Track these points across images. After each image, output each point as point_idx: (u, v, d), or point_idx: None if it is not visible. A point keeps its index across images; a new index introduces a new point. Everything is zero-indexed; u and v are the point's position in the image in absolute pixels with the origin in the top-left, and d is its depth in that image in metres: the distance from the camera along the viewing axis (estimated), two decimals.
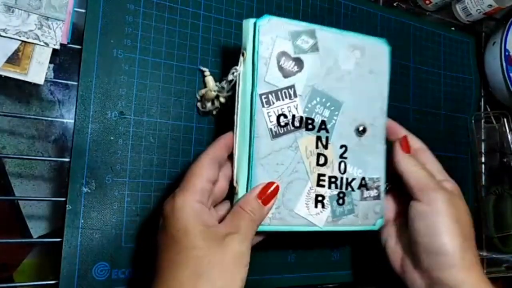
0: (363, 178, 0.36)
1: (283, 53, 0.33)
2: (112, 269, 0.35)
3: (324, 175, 0.35)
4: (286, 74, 0.33)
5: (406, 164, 0.36)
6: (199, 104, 0.40)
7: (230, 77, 0.34)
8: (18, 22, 0.34)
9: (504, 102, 0.61)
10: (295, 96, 0.33)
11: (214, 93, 0.38)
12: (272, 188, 0.32)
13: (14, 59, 0.35)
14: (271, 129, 0.33)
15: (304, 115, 0.34)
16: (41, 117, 0.38)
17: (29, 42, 0.35)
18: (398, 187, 0.37)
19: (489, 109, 0.63)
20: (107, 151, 0.36)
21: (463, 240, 0.33)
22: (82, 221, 0.35)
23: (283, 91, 0.33)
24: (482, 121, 0.61)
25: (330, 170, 0.35)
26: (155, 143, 0.38)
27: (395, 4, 0.58)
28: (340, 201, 0.35)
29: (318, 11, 0.48)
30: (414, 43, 0.55)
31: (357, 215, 0.36)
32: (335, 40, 0.35)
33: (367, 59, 0.37)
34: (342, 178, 0.35)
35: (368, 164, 0.36)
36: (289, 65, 0.33)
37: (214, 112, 0.41)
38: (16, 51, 0.35)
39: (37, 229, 0.38)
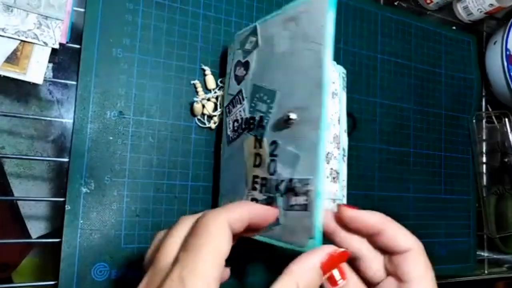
0: (290, 180, 0.28)
1: (237, 62, 0.35)
2: (111, 270, 0.35)
3: (257, 176, 0.31)
4: (238, 81, 0.35)
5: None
6: (196, 119, 0.41)
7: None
8: (17, 22, 0.34)
9: (505, 102, 0.60)
10: (243, 99, 0.34)
11: (200, 105, 0.40)
12: (342, 258, 0.24)
13: (13, 58, 0.34)
14: (228, 135, 0.34)
15: (248, 116, 0.33)
16: (40, 117, 0.38)
17: (28, 42, 0.35)
18: None
19: (490, 109, 0.63)
20: (106, 151, 0.36)
21: None
22: (81, 221, 0.34)
23: (236, 97, 0.34)
24: (483, 120, 0.61)
25: (263, 171, 0.30)
26: (154, 143, 0.38)
27: (396, 4, 0.57)
28: None
29: None
30: (415, 42, 0.55)
31: (284, 228, 0.27)
32: (272, 24, 0.32)
33: (302, 28, 0.29)
34: (271, 180, 0.29)
35: (298, 161, 0.28)
36: (240, 71, 0.34)
37: (213, 127, 0.41)
38: (15, 51, 0.34)
39: (36, 229, 0.38)
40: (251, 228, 0.25)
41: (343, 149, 0.43)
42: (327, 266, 0.23)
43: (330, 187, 0.41)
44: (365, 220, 0.26)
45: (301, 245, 0.26)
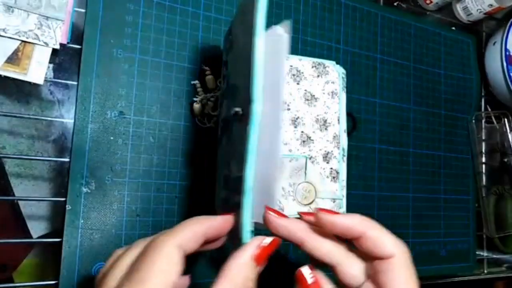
0: (229, 177, 0.29)
1: (223, 62, 0.35)
2: None
3: (227, 175, 0.31)
4: (224, 81, 0.35)
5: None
6: (197, 119, 0.41)
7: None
8: (18, 22, 0.34)
9: (505, 102, 0.60)
10: (222, 102, 0.35)
11: (200, 105, 0.40)
12: (275, 246, 0.24)
13: (13, 59, 0.34)
14: (218, 136, 0.34)
15: (225, 116, 0.33)
16: (40, 117, 0.38)
17: (28, 42, 0.35)
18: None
19: (489, 109, 0.63)
20: (107, 151, 0.36)
21: None
22: (82, 221, 0.35)
23: (221, 97, 0.35)
24: (483, 121, 0.61)
25: (227, 169, 0.31)
26: (155, 143, 0.38)
27: (395, 4, 0.58)
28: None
29: (318, 10, 0.48)
30: (415, 43, 0.55)
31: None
32: (235, 22, 0.32)
33: (245, 20, 0.29)
34: (229, 178, 0.30)
35: (235, 157, 0.28)
36: (224, 71, 0.35)
37: (214, 126, 0.41)
38: (16, 51, 0.35)
39: (37, 229, 0.38)
40: (210, 241, 0.25)
41: (343, 149, 0.43)
42: (260, 257, 0.23)
43: (330, 187, 0.41)
44: (344, 224, 0.25)
45: (240, 245, 0.24)
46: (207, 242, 0.24)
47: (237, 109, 0.27)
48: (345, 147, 0.44)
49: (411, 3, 0.59)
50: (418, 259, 0.51)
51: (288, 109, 0.41)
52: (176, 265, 0.21)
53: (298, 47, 0.46)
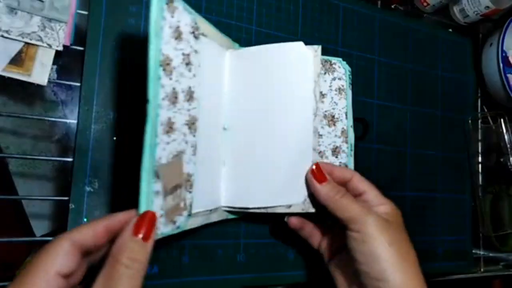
0: None
1: None
2: None
3: None
4: None
5: (325, 195, 0.34)
6: None
7: None
8: (21, 24, 0.35)
9: (501, 103, 0.61)
10: None
11: None
12: (148, 218, 0.26)
13: (17, 60, 0.35)
14: None
15: None
16: (44, 117, 0.38)
17: (32, 44, 0.35)
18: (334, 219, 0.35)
19: (486, 110, 0.63)
20: (110, 151, 0.37)
21: (404, 266, 0.31)
22: (85, 220, 0.35)
23: None
24: (479, 121, 0.62)
25: None
26: None
27: (392, 6, 0.58)
28: None
29: (317, 13, 0.49)
30: (412, 45, 0.56)
31: None
32: None
33: None
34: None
35: None
36: None
37: None
38: (20, 53, 0.35)
39: (40, 228, 0.39)
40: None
41: (351, 144, 0.44)
42: (137, 228, 0.25)
43: None
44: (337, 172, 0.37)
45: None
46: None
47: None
48: (353, 142, 0.45)
49: (408, 6, 0.60)
50: None
51: None
52: (65, 256, 0.23)
53: None
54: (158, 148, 0.28)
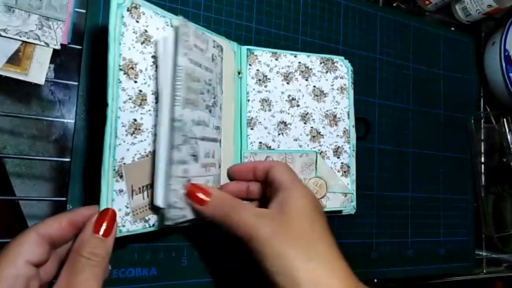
0: None
1: None
2: (112, 269, 0.35)
3: None
4: None
5: (212, 216, 0.30)
6: None
7: None
8: (19, 23, 0.34)
9: (504, 102, 0.61)
10: None
11: None
12: (109, 215, 0.27)
13: (14, 59, 0.35)
14: None
15: None
16: (41, 117, 0.38)
17: (29, 42, 0.35)
18: None
19: (488, 109, 0.63)
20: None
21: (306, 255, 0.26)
22: None
23: None
24: (482, 121, 0.62)
25: None
26: None
27: (394, 5, 0.58)
28: None
29: (318, 11, 0.48)
30: (414, 43, 0.55)
31: None
32: None
33: None
34: None
35: None
36: None
37: None
38: (17, 51, 0.35)
39: None
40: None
41: (353, 144, 0.44)
42: (98, 225, 0.27)
43: (341, 181, 0.42)
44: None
45: None
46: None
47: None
48: (354, 142, 0.44)
49: (410, 4, 0.60)
50: (417, 259, 0.51)
51: (298, 106, 0.42)
52: (32, 245, 0.25)
53: (297, 48, 0.47)
54: (119, 149, 0.30)
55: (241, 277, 0.40)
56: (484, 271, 0.59)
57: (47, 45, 0.35)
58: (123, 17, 0.30)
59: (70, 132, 0.37)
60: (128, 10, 0.31)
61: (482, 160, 0.60)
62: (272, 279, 0.26)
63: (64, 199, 0.34)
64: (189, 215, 0.31)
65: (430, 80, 0.56)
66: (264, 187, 0.34)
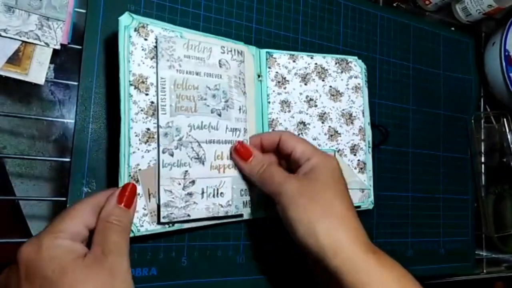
0: None
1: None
2: None
3: None
4: None
5: (250, 172, 0.36)
6: None
7: None
8: (19, 23, 0.34)
9: (504, 102, 0.61)
10: None
11: None
12: (129, 189, 0.30)
13: (14, 59, 0.35)
14: None
15: None
16: (41, 117, 0.38)
17: (29, 42, 0.35)
18: None
19: (488, 109, 0.63)
20: (107, 151, 0.36)
21: (327, 221, 0.31)
22: None
23: None
24: (482, 121, 0.61)
25: None
26: None
27: (395, 5, 0.58)
28: None
29: (318, 11, 0.48)
30: (414, 43, 0.55)
31: None
32: None
33: None
34: None
35: None
36: None
37: None
38: (17, 51, 0.35)
39: (37, 229, 0.38)
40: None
41: (368, 142, 0.45)
42: (120, 197, 0.30)
43: (358, 178, 0.43)
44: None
45: None
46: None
47: None
48: (370, 139, 0.45)
49: (410, 4, 0.60)
50: (417, 259, 0.51)
51: (315, 106, 0.43)
52: (87, 212, 0.28)
53: (297, 48, 0.47)
54: (133, 156, 0.32)
55: (241, 276, 0.40)
56: (484, 271, 0.59)
57: (47, 45, 0.35)
58: (131, 37, 0.32)
59: (70, 132, 0.37)
60: (135, 30, 0.33)
61: (482, 160, 0.60)
62: (294, 227, 0.31)
63: (64, 199, 0.34)
64: (192, 214, 0.33)
65: (430, 80, 0.56)
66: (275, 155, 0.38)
